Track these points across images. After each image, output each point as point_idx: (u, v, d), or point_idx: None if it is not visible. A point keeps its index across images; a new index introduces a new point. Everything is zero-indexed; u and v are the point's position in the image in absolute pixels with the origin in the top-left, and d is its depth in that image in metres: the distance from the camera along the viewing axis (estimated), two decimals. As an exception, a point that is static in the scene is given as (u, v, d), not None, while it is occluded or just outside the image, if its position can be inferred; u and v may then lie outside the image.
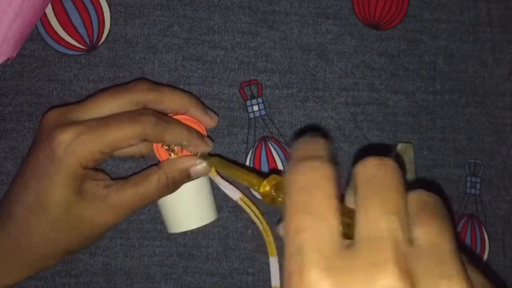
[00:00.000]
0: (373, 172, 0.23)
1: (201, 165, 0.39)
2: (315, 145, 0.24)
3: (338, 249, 0.21)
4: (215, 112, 0.42)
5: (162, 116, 0.37)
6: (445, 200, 0.24)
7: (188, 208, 0.41)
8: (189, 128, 0.39)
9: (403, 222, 0.21)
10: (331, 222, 0.21)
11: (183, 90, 0.44)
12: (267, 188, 0.32)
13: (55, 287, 0.44)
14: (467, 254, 0.22)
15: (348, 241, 0.22)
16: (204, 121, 0.40)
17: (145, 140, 0.36)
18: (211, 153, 0.40)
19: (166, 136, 0.37)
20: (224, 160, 0.39)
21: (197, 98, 0.41)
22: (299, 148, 0.24)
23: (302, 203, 0.22)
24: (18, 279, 0.37)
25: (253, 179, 0.34)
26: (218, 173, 0.41)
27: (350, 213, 0.23)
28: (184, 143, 0.38)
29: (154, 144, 0.39)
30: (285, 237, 0.22)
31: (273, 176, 0.33)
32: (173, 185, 0.38)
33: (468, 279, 0.20)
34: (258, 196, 0.45)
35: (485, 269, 0.27)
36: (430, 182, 0.50)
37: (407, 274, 0.20)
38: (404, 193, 0.22)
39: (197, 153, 0.40)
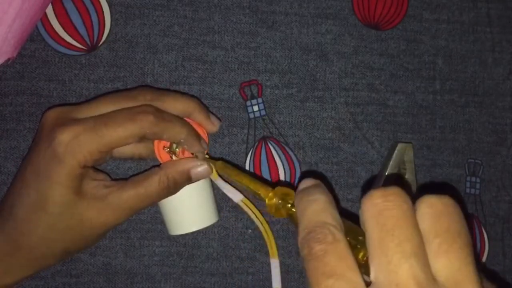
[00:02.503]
0: (380, 208, 0.23)
1: (202, 168, 0.39)
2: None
3: None
4: (218, 117, 0.42)
5: (161, 114, 0.37)
6: (457, 198, 0.24)
7: (189, 211, 0.41)
8: (188, 126, 0.39)
9: (422, 262, 0.21)
10: (354, 279, 0.22)
11: (186, 94, 0.44)
12: (274, 200, 0.33)
13: (56, 286, 0.44)
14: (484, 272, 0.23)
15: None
16: (205, 126, 0.40)
17: (144, 137, 0.37)
18: (214, 156, 0.40)
19: (165, 135, 0.37)
20: (228, 164, 0.39)
21: (201, 103, 0.41)
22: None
23: (322, 268, 0.22)
24: (18, 278, 0.37)
25: (259, 188, 0.36)
26: (220, 176, 0.41)
27: (356, 232, 0.25)
28: (182, 140, 0.38)
29: (156, 146, 0.39)
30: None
31: (280, 188, 0.34)
32: (174, 186, 0.38)
33: None
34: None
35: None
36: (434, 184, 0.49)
37: None
38: (415, 222, 0.22)
39: (196, 155, 0.40)
